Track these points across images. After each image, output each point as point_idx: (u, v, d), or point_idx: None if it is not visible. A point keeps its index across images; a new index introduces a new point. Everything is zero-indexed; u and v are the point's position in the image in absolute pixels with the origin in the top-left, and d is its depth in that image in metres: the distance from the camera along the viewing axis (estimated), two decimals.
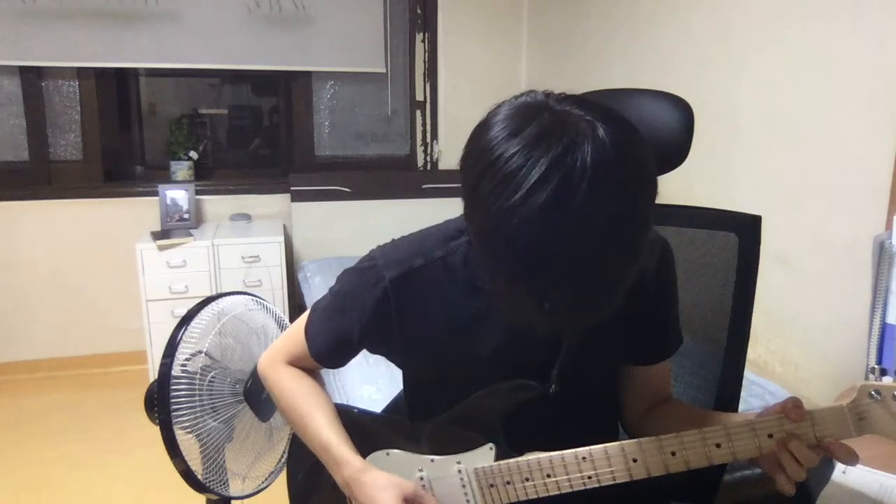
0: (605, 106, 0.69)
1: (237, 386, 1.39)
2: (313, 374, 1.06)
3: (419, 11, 3.56)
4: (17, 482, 2.35)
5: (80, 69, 3.19)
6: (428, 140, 3.70)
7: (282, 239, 3.11)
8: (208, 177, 3.51)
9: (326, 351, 1.00)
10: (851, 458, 0.76)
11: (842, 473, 1.02)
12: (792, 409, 0.77)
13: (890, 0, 1.56)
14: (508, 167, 0.64)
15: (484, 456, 0.91)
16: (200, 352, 1.35)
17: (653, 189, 0.68)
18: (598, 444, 0.85)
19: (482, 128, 0.70)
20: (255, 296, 1.52)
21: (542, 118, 0.66)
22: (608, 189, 0.63)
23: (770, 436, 0.79)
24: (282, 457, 1.53)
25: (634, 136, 0.69)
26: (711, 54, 2.19)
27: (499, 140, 0.66)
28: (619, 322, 0.93)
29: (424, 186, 3.49)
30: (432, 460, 0.95)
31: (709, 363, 1.13)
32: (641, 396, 1.02)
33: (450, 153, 3.68)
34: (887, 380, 0.81)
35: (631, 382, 1.03)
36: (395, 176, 3.64)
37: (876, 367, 1.31)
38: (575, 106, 0.68)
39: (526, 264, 0.65)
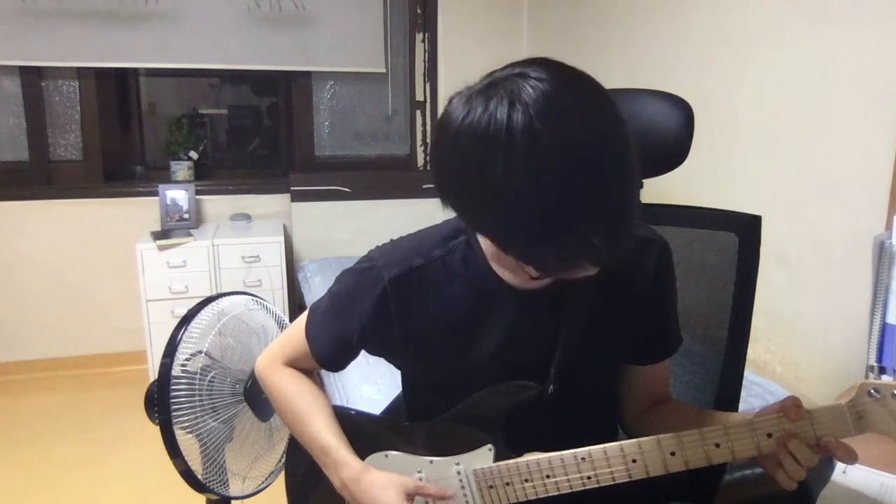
0: (535, 57, 0.73)
1: (237, 386, 1.39)
2: (311, 375, 1.06)
3: (419, 11, 3.56)
4: (17, 482, 2.35)
5: (80, 69, 3.19)
6: (428, 140, 3.70)
7: (282, 239, 3.11)
8: (208, 177, 3.52)
9: (328, 352, 1.00)
10: (850, 457, 0.76)
11: (842, 473, 1.02)
12: (790, 407, 0.77)
13: (890, 0, 1.56)
14: (478, 135, 0.67)
15: (483, 457, 0.91)
16: (200, 352, 1.35)
17: (608, 98, 0.71)
18: (597, 444, 0.85)
19: (441, 127, 0.74)
20: (255, 296, 1.52)
21: (479, 90, 0.71)
22: (564, 105, 0.67)
23: (769, 435, 0.79)
24: (282, 457, 1.53)
25: (569, 69, 0.72)
26: (711, 55, 2.19)
27: (459, 122, 0.70)
28: (618, 321, 0.94)
29: (424, 186, 3.49)
30: (431, 462, 0.95)
31: (709, 363, 1.13)
32: (640, 396, 1.02)
33: None
34: (886, 378, 0.81)
35: (630, 382, 1.03)
36: (395, 176, 3.64)
37: (875, 365, 1.31)
38: (498, 71, 0.73)
39: (553, 212, 0.66)
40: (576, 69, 0.73)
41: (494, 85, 0.69)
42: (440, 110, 0.75)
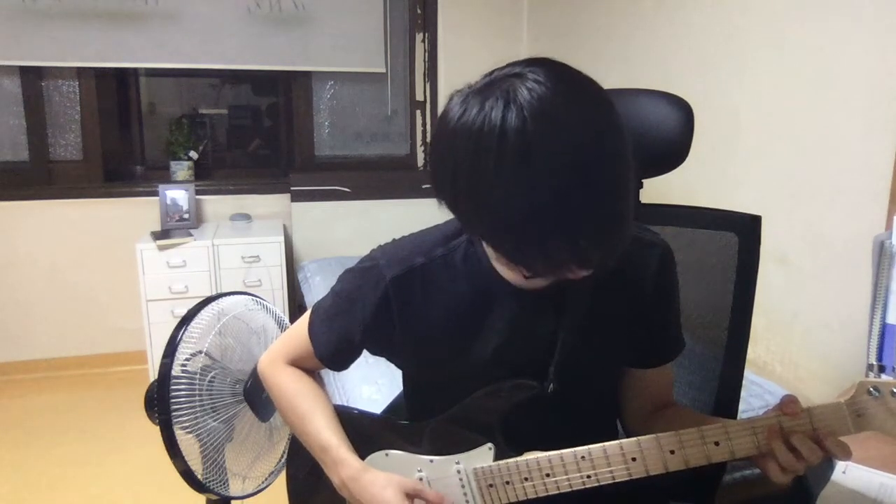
0: (535, 57, 0.74)
1: (237, 386, 1.39)
2: (313, 374, 1.06)
3: (419, 11, 3.56)
4: (17, 482, 2.35)
5: (80, 69, 3.19)
6: (428, 140, 3.70)
7: (282, 239, 3.11)
8: (208, 177, 3.52)
9: (330, 352, 1.00)
10: (844, 453, 0.76)
11: (842, 473, 1.02)
12: (787, 404, 0.77)
13: (890, 0, 1.56)
14: (473, 136, 0.68)
15: (483, 456, 0.91)
16: (200, 352, 1.35)
17: (606, 101, 0.71)
18: (597, 443, 0.85)
19: (440, 127, 0.74)
20: (255, 296, 1.52)
21: (476, 90, 0.71)
22: (561, 108, 0.67)
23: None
24: (282, 457, 1.53)
25: (568, 70, 0.72)
26: (711, 54, 2.19)
27: (455, 121, 0.70)
28: (618, 322, 0.94)
29: (424, 186, 3.49)
30: (431, 461, 0.95)
31: (709, 363, 1.13)
32: (643, 401, 1.02)
33: None
34: (886, 377, 0.81)
35: (632, 386, 1.02)
36: (395, 176, 3.64)
37: (875, 363, 1.31)
38: (497, 71, 0.73)
39: (544, 213, 0.66)
40: (576, 71, 0.73)
41: (492, 85, 0.70)
42: (440, 110, 0.75)
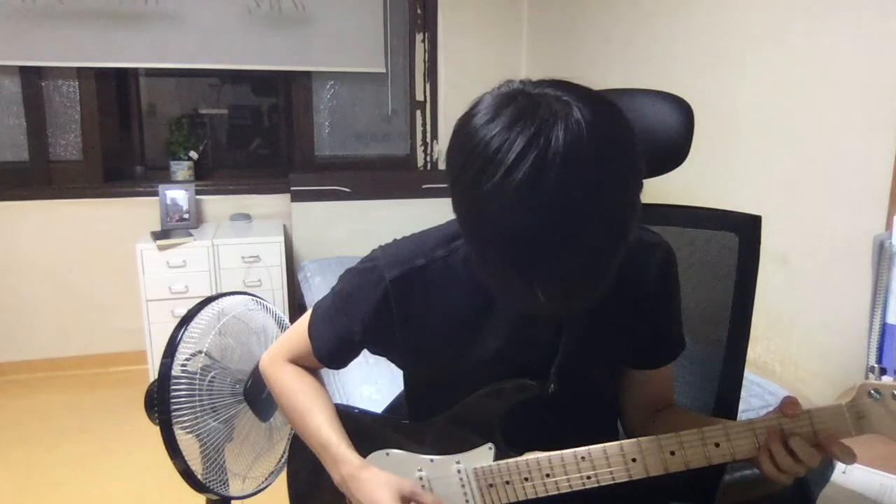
0: (582, 87, 0.70)
1: (237, 386, 1.39)
2: (315, 373, 1.07)
3: (419, 11, 3.56)
4: (18, 482, 2.35)
5: (80, 69, 3.19)
6: (428, 140, 3.70)
7: (282, 239, 3.11)
8: (208, 177, 3.51)
9: (329, 351, 1.01)
10: (849, 457, 0.76)
11: (842, 473, 1.02)
12: (787, 405, 0.77)
13: (890, 0, 1.56)
14: (486, 151, 0.66)
15: (483, 456, 0.91)
16: (200, 352, 1.35)
17: (634, 166, 0.69)
18: (597, 444, 0.85)
19: (464, 119, 0.72)
20: (255, 296, 1.52)
21: (517, 102, 0.68)
22: (583, 167, 0.64)
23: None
24: (282, 457, 1.53)
25: (611, 114, 0.69)
26: (711, 54, 2.19)
27: (478, 126, 0.68)
28: (619, 323, 0.94)
29: (424, 186, 3.49)
30: (432, 460, 0.95)
31: (709, 363, 1.13)
32: (644, 402, 1.02)
33: None
34: (887, 379, 0.81)
35: (633, 387, 1.02)
36: (395, 176, 3.64)
37: (875, 365, 1.31)
38: (550, 88, 0.69)
39: (510, 248, 0.66)
40: (622, 117, 0.70)
41: (531, 107, 0.66)
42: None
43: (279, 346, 1.08)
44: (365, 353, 1.00)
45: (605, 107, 0.69)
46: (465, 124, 0.71)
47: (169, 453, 1.30)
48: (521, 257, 0.66)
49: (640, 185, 0.69)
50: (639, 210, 0.69)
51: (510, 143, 0.64)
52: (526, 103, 0.67)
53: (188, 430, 1.31)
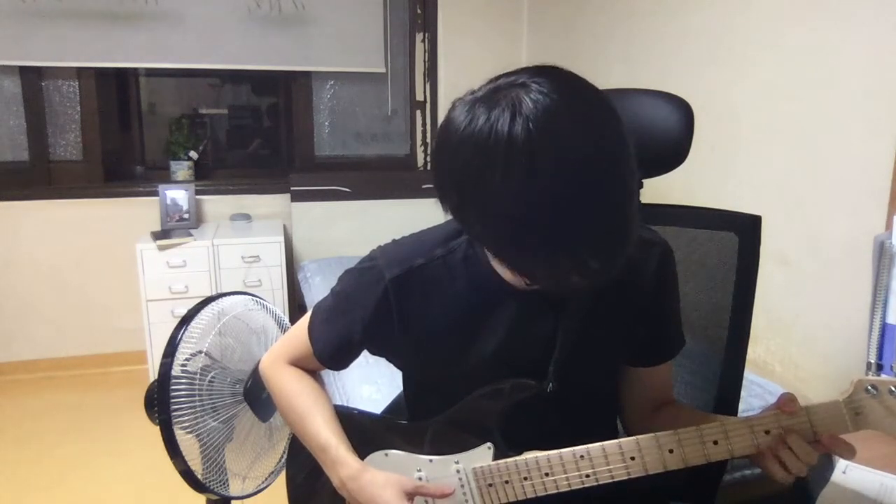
0: (542, 65, 0.73)
1: (237, 386, 1.39)
2: (314, 374, 1.06)
3: (419, 11, 3.56)
4: (18, 482, 2.35)
5: (80, 69, 3.19)
6: (428, 140, 3.70)
7: (282, 239, 3.11)
8: (208, 177, 3.52)
9: (330, 351, 1.00)
10: (849, 452, 0.76)
11: (842, 473, 1.02)
12: (785, 402, 0.78)
13: (889, 0, 1.56)
14: (481, 148, 0.67)
15: (482, 455, 0.91)
16: (200, 352, 1.35)
17: (612, 114, 0.70)
18: (596, 442, 0.85)
19: (443, 126, 0.73)
20: (255, 296, 1.52)
21: (483, 98, 0.70)
22: (564, 125, 0.66)
23: (767, 432, 0.79)
24: (282, 457, 1.53)
25: (574, 81, 0.71)
26: (711, 54, 2.19)
27: (459, 125, 0.69)
28: (617, 320, 0.94)
29: (424, 186, 3.49)
30: (431, 460, 0.95)
31: (709, 363, 1.13)
32: (643, 399, 1.02)
33: None
34: (884, 375, 0.81)
35: (632, 385, 1.03)
36: (395, 176, 3.64)
37: (872, 361, 1.31)
38: (514, 75, 0.72)
39: (555, 224, 0.66)
40: (581, 80, 0.72)
41: (497, 93, 0.69)
42: (440, 110, 0.76)
43: (279, 348, 1.07)
44: (365, 353, 1.00)
45: (564, 74, 0.72)
46: (448, 138, 0.72)
47: (169, 453, 1.30)
48: (566, 232, 0.66)
49: (625, 140, 0.70)
50: (635, 166, 0.70)
51: (493, 126, 0.66)
52: (488, 94, 0.70)
53: (188, 430, 1.31)
